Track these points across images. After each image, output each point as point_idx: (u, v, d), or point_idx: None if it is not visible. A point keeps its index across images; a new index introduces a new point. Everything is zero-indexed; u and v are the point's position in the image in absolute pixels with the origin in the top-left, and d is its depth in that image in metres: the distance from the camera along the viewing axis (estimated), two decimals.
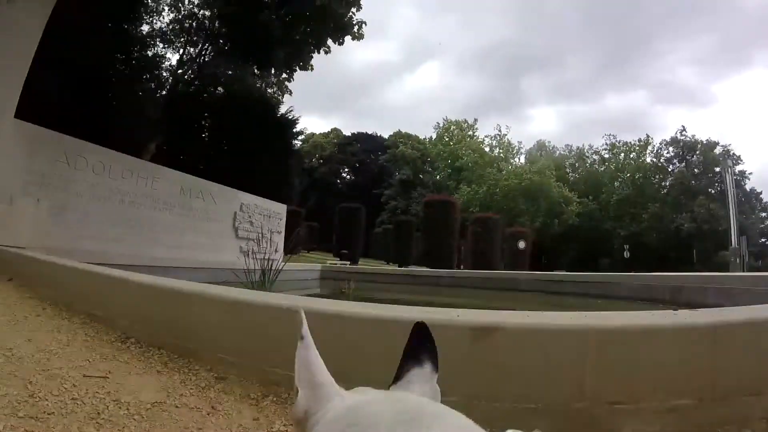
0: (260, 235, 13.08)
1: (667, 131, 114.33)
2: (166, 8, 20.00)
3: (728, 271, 32.35)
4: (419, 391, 0.61)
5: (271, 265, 6.65)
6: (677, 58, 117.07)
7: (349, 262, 23.66)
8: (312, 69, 21.22)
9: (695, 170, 57.86)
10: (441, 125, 68.42)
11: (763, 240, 56.57)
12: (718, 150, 57.38)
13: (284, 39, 18.34)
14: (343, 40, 19.88)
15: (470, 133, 67.57)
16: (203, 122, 18.68)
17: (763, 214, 59.35)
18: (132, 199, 9.01)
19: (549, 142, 70.96)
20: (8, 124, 6.43)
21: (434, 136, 68.24)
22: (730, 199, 29.64)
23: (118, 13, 14.55)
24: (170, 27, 20.20)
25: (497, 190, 54.23)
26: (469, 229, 30.62)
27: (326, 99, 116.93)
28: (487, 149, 66.13)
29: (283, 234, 14.61)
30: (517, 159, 66.76)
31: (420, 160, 63.74)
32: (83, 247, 7.76)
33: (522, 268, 28.52)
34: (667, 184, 59.15)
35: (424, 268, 20.04)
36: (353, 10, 19.42)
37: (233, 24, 18.19)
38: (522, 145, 68.73)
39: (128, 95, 14.59)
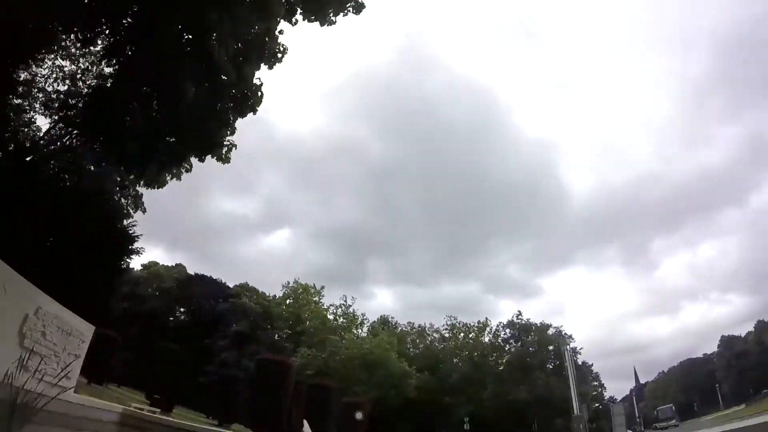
0: (53, 353, 10.31)
1: (497, 316, 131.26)
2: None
3: None
4: None
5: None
6: (509, 256, 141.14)
7: (160, 410, 20.06)
8: (165, 184, 19.61)
9: (530, 349, 65.21)
10: (289, 285, 68.48)
11: (596, 405, 63.01)
12: (551, 331, 65.85)
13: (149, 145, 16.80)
14: (204, 158, 18.94)
15: (316, 299, 68.43)
16: (34, 207, 15.67)
17: (595, 383, 68.03)
18: None
19: (392, 317, 74.29)
20: None
21: (280, 295, 67.78)
22: (570, 372, 32.18)
23: None
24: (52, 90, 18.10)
25: (337, 357, 53.65)
26: (303, 394, 28.50)
27: (175, 234, 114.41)
28: (330, 317, 66.80)
29: (82, 359, 11.70)
30: (359, 330, 67.97)
31: (261, 317, 61.99)
32: None
33: None
34: (504, 361, 64.70)
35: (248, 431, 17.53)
36: (227, 132, 18.97)
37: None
38: (366, 318, 70.73)
39: None
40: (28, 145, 17.52)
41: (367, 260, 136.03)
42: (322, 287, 69.78)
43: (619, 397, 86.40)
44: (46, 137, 18.07)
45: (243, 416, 29.20)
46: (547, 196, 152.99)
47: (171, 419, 15.47)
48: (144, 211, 22.05)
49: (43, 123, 18.61)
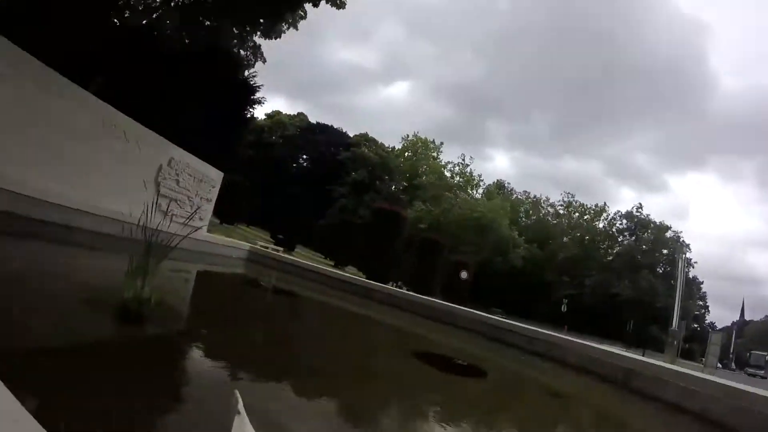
0: (187, 198, 11.60)
1: (614, 204, 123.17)
2: None
3: (662, 351, 33.33)
4: None
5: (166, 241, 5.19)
6: (636, 141, 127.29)
7: (282, 249, 22.20)
8: (282, 34, 19.56)
9: (643, 246, 60.89)
10: (408, 138, 68.24)
11: (695, 325, 59.68)
12: (669, 234, 60.94)
13: None
14: (318, 3, 18.29)
15: (434, 154, 67.89)
16: (158, 66, 16.58)
17: (699, 303, 63.85)
18: (43, 122, 7.26)
19: (508, 183, 72.61)
20: None
21: (398, 148, 67.92)
22: (679, 282, 30.48)
23: None
24: None
25: (450, 215, 54.27)
26: (413, 247, 29.64)
27: (295, 85, 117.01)
28: (447, 174, 66.66)
29: (213, 202, 13.04)
30: (474, 191, 67.62)
31: (379, 167, 63.03)
32: None
33: (460, 299, 27.69)
34: (614, 252, 61.95)
35: (359, 277, 18.90)
36: None
37: None
38: (482, 179, 69.85)
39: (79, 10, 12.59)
40: (141, 8, 17.98)
41: (485, 121, 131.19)
42: (441, 143, 69.25)
43: (719, 326, 79.39)
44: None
45: (357, 260, 31.26)
46: (690, 85, 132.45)
47: (293, 257, 16.92)
48: (264, 61, 22.54)
49: None
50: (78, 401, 2.38)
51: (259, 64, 22.13)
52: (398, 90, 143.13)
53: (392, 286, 19.70)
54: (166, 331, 4.39)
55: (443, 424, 3.92)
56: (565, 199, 70.26)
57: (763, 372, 59.04)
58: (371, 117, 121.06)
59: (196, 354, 4.13)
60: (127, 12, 17.48)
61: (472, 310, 11.77)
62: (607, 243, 64.08)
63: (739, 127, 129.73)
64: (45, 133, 7.40)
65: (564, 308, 46.28)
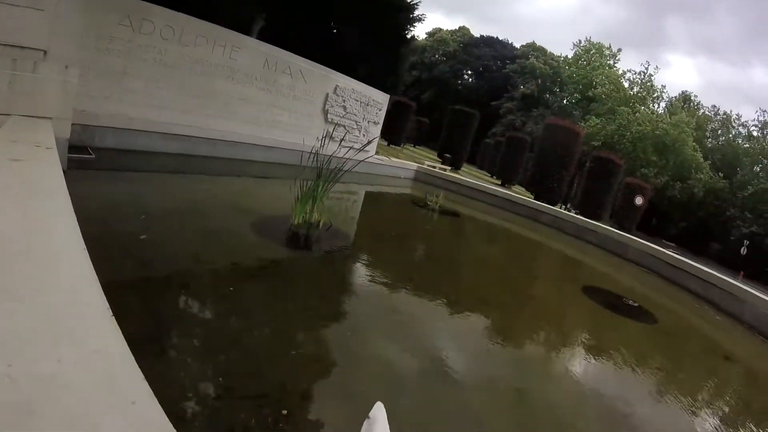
0: (354, 123, 12.05)
1: None
2: None
3: None
4: None
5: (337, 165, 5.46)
6: None
7: (450, 168, 22.31)
8: None
9: None
10: (581, 44, 62.00)
11: None
12: None
13: None
14: None
15: (610, 62, 60.80)
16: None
17: None
18: (206, 69, 8.03)
19: (695, 96, 62.61)
20: None
21: (570, 56, 62.19)
22: None
23: None
24: None
25: (627, 132, 49.03)
26: (586, 166, 27.70)
27: None
28: (626, 84, 59.43)
29: (380, 125, 13.38)
30: (656, 105, 59.60)
31: (549, 78, 58.71)
32: (147, 116, 7.17)
33: (631, 226, 25.74)
34: None
35: (526, 197, 18.36)
36: None
37: None
38: (665, 91, 60.95)
39: None
40: None
41: (663, 20, 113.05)
42: (619, 50, 61.08)
43: None
44: None
45: (525, 179, 30.36)
46: None
47: (459, 176, 16.96)
48: None
49: None
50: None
51: None
52: None
53: (560, 208, 18.86)
54: (329, 253, 4.67)
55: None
56: (761, 119, 57.23)
57: None
58: (537, 26, 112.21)
59: (356, 275, 4.41)
60: None
61: (645, 242, 10.82)
62: None
63: None
64: (202, 80, 8.12)
65: (744, 251, 39.94)
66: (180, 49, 7.56)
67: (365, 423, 0.48)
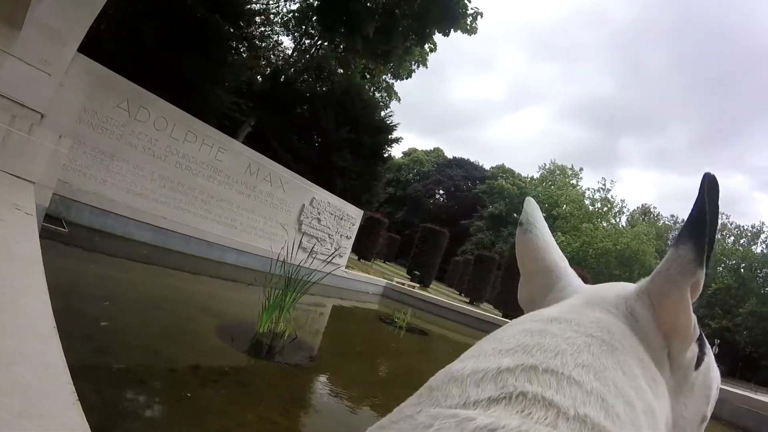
0: (327, 235, 12.27)
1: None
2: None
3: None
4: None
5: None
6: None
7: (418, 285, 22.40)
8: (412, 73, 20.22)
9: None
10: (546, 166, 66.11)
11: None
12: None
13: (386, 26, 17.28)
14: (449, 32, 18.62)
15: (573, 181, 64.75)
16: (298, 111, 17.90)
17: None
18: (191, 165, 8.38)
19: (654, 207, 66.75)
20: (67, 54, 5.81)
21: (537, 177, 66.01)
22: None
23: None
24: (291, 14, 20.05)
25: (591, 249, 51.11)
26: None
27: (427, 122, 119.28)
28: (587, 202, 62.91)
29: (352, 240, 13.64)
30: (617, 219, 63.10)
31: (517, 198, 61.46)
32: (127, 201, 7.30)
33: None
34: None
35: (494, 314, 18.44)
36: None
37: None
38: (625, 205, 64.94)
39: (231, 66, 14.09)
40: (280, 64, 19.64)
41: (618, 139, 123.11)
42: (581, 169, 65.88)
43: None
44: (294, 54, 20.02)
45: (493, 296, 30.52)
46: None
47: (427, 294, 17.01)
48: (399, 100, 23.39)
49: (287, 41, 20.67)
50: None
51: (393, 104, 23.08)
52: (525, 117, 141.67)
53: None
54: (292, 365, 4.59)
55: None
56: (720, 222, 61.52)
57: None
58: (506, 148, 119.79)
59: (319, 390, 4.33)
60: (268, 69, 19.31)
61: None
62: (765, 270, 54.69)
63: None
64: (185, 175, 8.42)
65: (715, 349, 40.66)
66: (169, 142, 7.87)
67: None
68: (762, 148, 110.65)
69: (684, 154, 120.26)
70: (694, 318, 0.42)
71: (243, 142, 11.82)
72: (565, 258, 0.56)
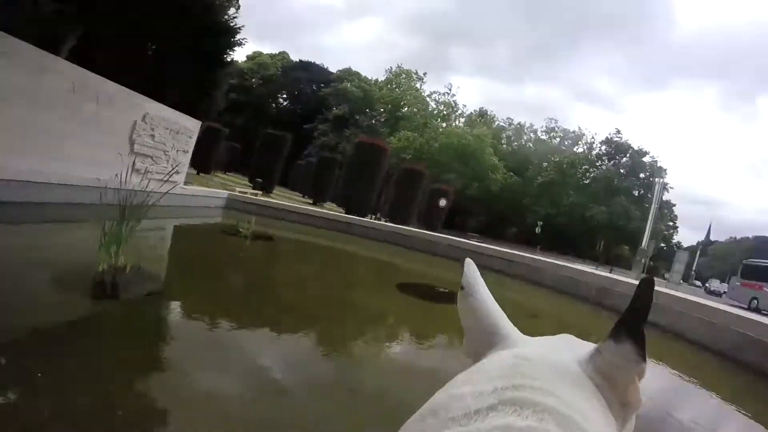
0: (163, 153, 11.79)
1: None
2: None
3: (629, 268, 35.14)
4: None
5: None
6: (601, 65, 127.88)
7: (261, 192, 22.54)
8: None
9: (621, 171, 62.36)
10: (392, 70, 67.70)
11: (662, 245, 61.61)
12: (647, 159, 62.36)
13: None
14: None
15: (417, 85, 67.74)
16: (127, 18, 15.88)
17: (669, 223, 66.17)
18: (3, 94, 7.11)
19: (491, 111, 72.99)
20: None
21: (382, 80, 67.47)
22: (653, 206, 31.54)
23: None
24: None
25: (436, 144, 55.42)
26: (393, 178, 30.27)
27: (271, 28, 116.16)
28: (432, 104, 66.93)
29: (190, 153, 13.20)
30: (457, 121, 68.10)
31: (361, 101, 62.49)
32: None
33: (437, 226, 29.10)
34: (591, 176, 63.38)
35: (338, 212, 19.44)
36: None
37: None
38: (465, 107, 70.20)
39: None
40: None
41: (449, 49, 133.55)
42: (425, 73, 69.27)
43: (685, 245, 79.42)
44: None
45: (336, 196, 31.90)
46: (651, 10, 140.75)
47: (270, 200, 17.23)
48: (238, 7, 21.91)
49: None
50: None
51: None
52: (362, 27, 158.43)
53: (371, 218, 20.07)
54: (139, 297, 4.44)
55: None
56: (548, 125, 71.20)
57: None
58: (352, 53, 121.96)
59: (173, 314, 4.48)
60: None
61: (449, 237, 12.62)
62: (584, 167, 65.20)
63: (699, 56, 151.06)
64: (11, 108, 7.35)
65: (538, 230, 47.81)
66: None
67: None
68: (577, 67, 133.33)
69: (508, 65, 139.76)
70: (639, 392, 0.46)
71: (66, 58, 10.44)
72: (506, 317, 0.59)
